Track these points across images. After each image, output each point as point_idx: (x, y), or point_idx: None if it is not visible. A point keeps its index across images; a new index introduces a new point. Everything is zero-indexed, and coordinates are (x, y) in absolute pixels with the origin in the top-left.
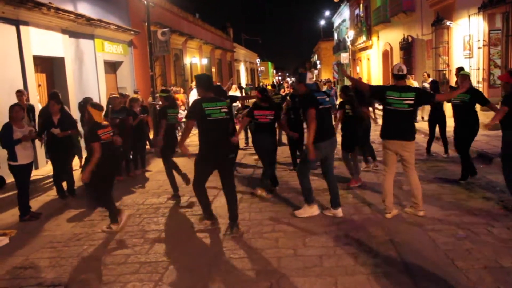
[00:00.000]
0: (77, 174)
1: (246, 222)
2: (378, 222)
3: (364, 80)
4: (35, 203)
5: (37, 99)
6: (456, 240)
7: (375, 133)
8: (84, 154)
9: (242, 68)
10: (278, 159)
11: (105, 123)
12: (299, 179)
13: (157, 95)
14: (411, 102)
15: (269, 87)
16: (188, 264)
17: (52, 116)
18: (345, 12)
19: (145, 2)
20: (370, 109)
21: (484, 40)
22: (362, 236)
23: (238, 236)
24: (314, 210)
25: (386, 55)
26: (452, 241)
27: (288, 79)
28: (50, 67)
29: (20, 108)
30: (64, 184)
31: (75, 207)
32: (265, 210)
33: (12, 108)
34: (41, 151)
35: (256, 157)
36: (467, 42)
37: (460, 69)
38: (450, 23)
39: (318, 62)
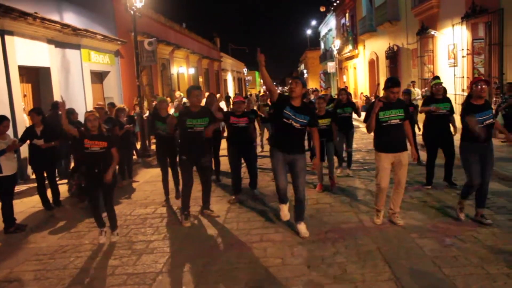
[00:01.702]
0: (63, 185)
1: (234, 231)
2: (365, 231)
3: (351, 89)
4: (20, 215)
5: (22, 110)
6: (443, 247)
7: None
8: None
9: (229, 77)
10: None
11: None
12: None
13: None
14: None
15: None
16: (176, 275)
17: (35, 127)
18: (331, 22)
19: (132, 12)
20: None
21: (468, 49)
22: (350, 245)
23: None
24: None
25: (372, 64)
26: (439, 248)
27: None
28: (36, 77)
29: (9, 122)
30: (50, 195)
31: (61, 219)
32: (253, 220)
33: (2, 122)
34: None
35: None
36: (451, 51)
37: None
38: (435, 33)
39: (305, 71)
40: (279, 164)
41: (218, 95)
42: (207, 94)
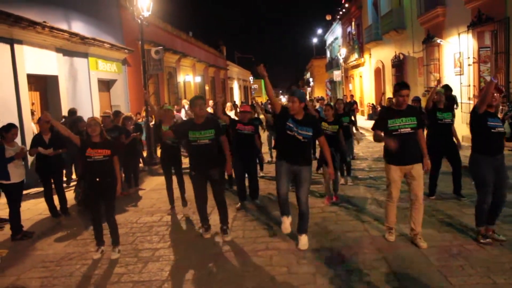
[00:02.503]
0: (70, 193)
1: (240, 240)
2: (371, 239)
3: (357, 98)
4: (27, 222)
5: (30, 118)
6: (449, 257)
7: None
8: None
9: (235, 85)
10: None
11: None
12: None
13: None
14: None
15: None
16: (182, 283)
17: (42, 135)
18: (337, 30)
19: (139, 21)
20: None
21: (474, 58)
22: (355, 254)
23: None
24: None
25: (378, 73)
26: (445, 258)
27: (281, 96)
28: (44, 86)
29: (17, 130)
30: (57, 202)
31: (68, 226)
32: (259, 228)
33: (9, 129)
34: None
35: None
36: (457, 59)
37: (446, 86)
38: (441, 41)
39: (311, 79)
40: (282, 171)
41: (228, 104)
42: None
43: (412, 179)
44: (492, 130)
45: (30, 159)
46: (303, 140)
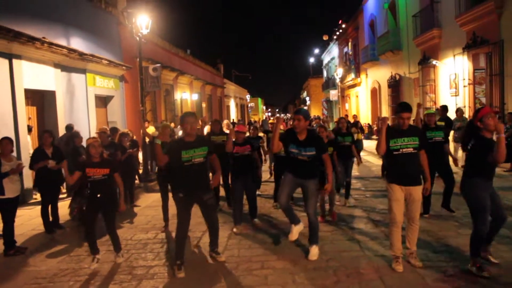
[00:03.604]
0: (64, 208)
1: (235, 258)
2: (367, 259)
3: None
4: (21, 238)
5: (27, 132)
6: (445, 278)
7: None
8: None
9: (232, 104)
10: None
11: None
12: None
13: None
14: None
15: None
16: None
17: (45, 149)
18: (334, 50)
19: (138, 38)
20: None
21: (469, 79)
22: (352, 274)
23: (216, 258)
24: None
25: (375, 93)
26: (441, 278)
27: (278, 115)
28: (41, 101)
29: (9, 142)
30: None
31: (62, 242)
32: (254, 247)
33: (1, 141)
34: (29, 184)
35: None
36: (453, 80)
37: (443, 107)
38: (436, 62)
39: (307, 98)
40: (286, 182)
41: (225, 122)
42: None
43: (411, 200)
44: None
45: (27, 173)
46: (308, 160)
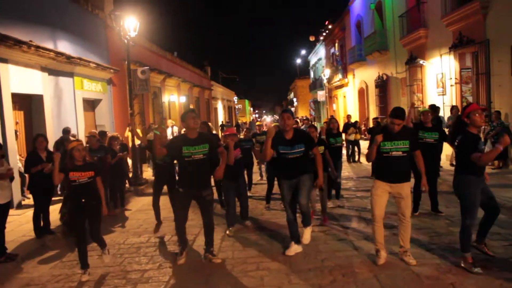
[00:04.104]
0: (54, 213)
1: (230, 260)
2: (361, 258)
3: (341, 118)
4: (11, 244)
5: (14, 137)
6: (439, 274)
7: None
8: None
9: (219, 106)
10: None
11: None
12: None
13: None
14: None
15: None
16: None
17: (39, 153)
18: (321, 51)
19: (125, 41)
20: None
21: (456, 78)
22: (347, 273)
23: (212, 258)
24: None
25: (362, 93)
26: (436, 275)
27: (266, 116)
28: (29, 105)
29: None
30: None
31: (53, 248)
32: (249, 248)
33: None
34: (16, 190)
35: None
36: (439, 80)
37: (433, 107)
38: (423, 62)
39: (294, 99)
40: (285, 193)
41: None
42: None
43: (400, 198)
44: (479, 154)
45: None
46: (299, 156)
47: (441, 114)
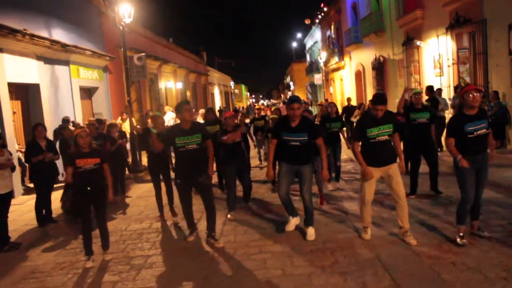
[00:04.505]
0: (56, 202)
1: (232, 244)
2: (362, 240)
3: (338, 101)
4: (14, 233)
5: (12, 127)
6: (440, 254)
7: None
8: None
9: (216, 91)
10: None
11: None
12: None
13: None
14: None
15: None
16: None
17: (39, 142)
18: (316, 34)
19: (120, 27)
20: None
21: (453, 59)
22: (348, 254)
23: (214, 244)
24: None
25: (359, 75)
26: (436, 255)
27: (262, 101)
28: (25, 94)
29: None
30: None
31: (56, 236)
32: (251, 232)
33: None
34: (18, 180)
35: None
36: (437, 60)
37: (429, 87)
38: (420, 43)
39: (291, 83)
40: (283, 174)
41: (201, 111)
42: (201, 111)
43: (390, 178)
44: (470, 136)
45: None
46: (301, 144)
47: (443, 95)
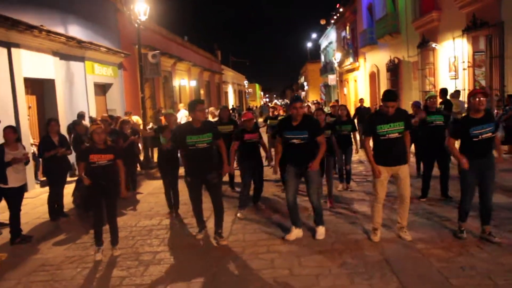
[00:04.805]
0: (67, 196)
1: (241, 243)
2: (371, 241)
3: (351, 102)
4: (26, 226)
5: (28, 122)
6: (450, 257)
7: None
8: None
9: (230, 90)
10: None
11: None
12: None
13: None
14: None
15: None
16: (184, 286)
17: (52, 137)
18: (331, 35)
19: (136, 25)
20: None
21: (468, 62)
22: (357, 256)
23: (219, 242)
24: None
25: (373, 77)
26: (446, 259)
27: (276, 100)
28: (41, 89)
29: (12, 131)
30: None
31: (67, 230)
32: (260, 231)
33: (4, 130)
34: (30, 173)
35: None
36: (452, 63)
37: (443, 90)
38: (435, 45)
39: (305, 83)
40: (290, 178)
41: (211, 108)
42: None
43: (399, 180)
44: (474, 139)
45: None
46: (303, 142)
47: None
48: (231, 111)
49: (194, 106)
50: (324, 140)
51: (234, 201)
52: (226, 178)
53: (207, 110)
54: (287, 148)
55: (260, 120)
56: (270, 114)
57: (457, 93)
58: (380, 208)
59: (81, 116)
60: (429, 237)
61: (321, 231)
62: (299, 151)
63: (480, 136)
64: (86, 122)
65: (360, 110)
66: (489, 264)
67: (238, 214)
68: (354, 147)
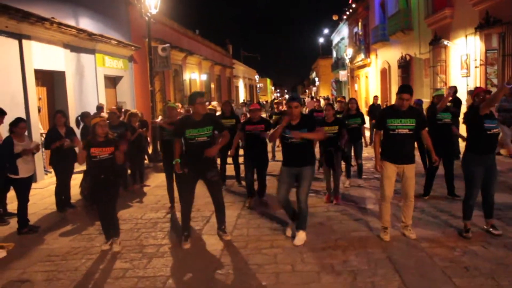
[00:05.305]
0: (75, 188)
1: (244, 237)
2: (375, 239)
3: (362, 98)
4: (33, 216)
5: (37, 113)
6: (454, 257)
7: None
8: None
9: (241, 84)
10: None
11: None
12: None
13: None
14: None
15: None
16: (186, 279)
17: (59, 129)
18: (343, 30)
19: (146, 18)
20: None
21: (481, 60)
22: (360, 253)
23: (223, 237)
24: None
25: (384, 73)
26: (450, 258)
27: (287, 95)
28: (51, 81)
29: (25, 125)
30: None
31: (73, 221)
32: (263, 226)
33: (15, 122)
34: (39, 164)
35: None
36: (464, 61)
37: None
38: (448, 43)
39: (316, 79)
40: (283, 178)
41: (214, 103)
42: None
43: (405, 178)
44: (488, 132)
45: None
46: (300, 142)
47: (464, 96)
48: (243, 105)
49: (194, 99)
50: (322, 129)
51: (240, 196)
52: (232, 172)
53: (211, 104)
54: (284, 149)
55: (263, 115)
56: (275, 109)
57: (471, 91)
58: (388, 207)
59: (99, 108)
60: (434, 236)
61: (300, 236)
62: (297, 151)
63: (492, 130)
64: (104, 114)
65: (374, 107)
66: (494, 265)
67: (247, 204)
68: (363, 140)
